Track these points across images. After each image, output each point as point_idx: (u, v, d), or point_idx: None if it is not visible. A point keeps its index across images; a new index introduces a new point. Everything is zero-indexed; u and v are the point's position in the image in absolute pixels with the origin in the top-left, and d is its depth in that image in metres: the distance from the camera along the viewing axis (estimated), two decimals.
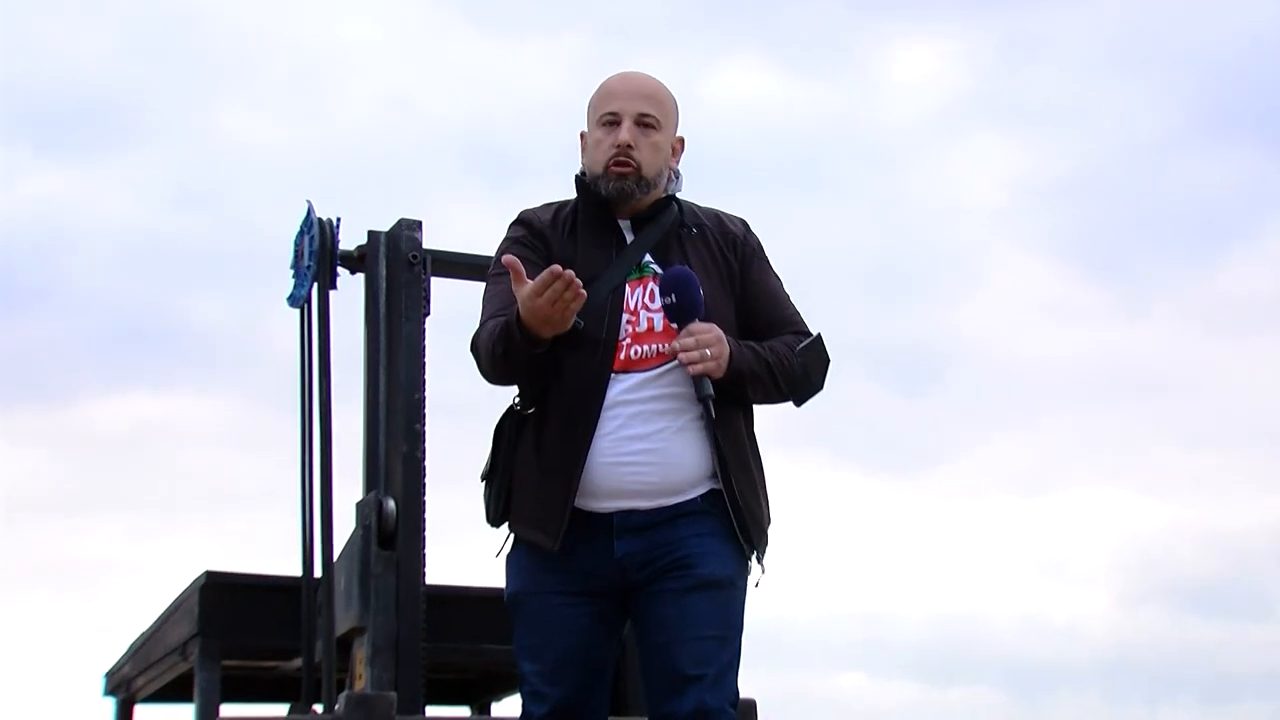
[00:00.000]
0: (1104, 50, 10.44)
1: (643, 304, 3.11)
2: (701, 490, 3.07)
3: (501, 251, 3.18)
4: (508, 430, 3.13)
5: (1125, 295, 10.82)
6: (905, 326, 10.51)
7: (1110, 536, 10.94)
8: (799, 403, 3.20)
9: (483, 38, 9.97)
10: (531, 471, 3.08)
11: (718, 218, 3.28)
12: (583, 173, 3.22)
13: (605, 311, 3.08)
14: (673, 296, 3.02)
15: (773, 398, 3.18)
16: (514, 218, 3.26)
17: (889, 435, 10.56)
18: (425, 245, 4.23)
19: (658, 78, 3.25)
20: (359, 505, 4.17)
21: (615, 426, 3.03)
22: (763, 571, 3.12)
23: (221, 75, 9.78)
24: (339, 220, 4.16)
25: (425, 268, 4.18)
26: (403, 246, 4.19)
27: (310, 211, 4.17)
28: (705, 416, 3.05)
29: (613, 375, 3.05)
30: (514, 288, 2.93)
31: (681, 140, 3.26)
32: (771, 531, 3.19)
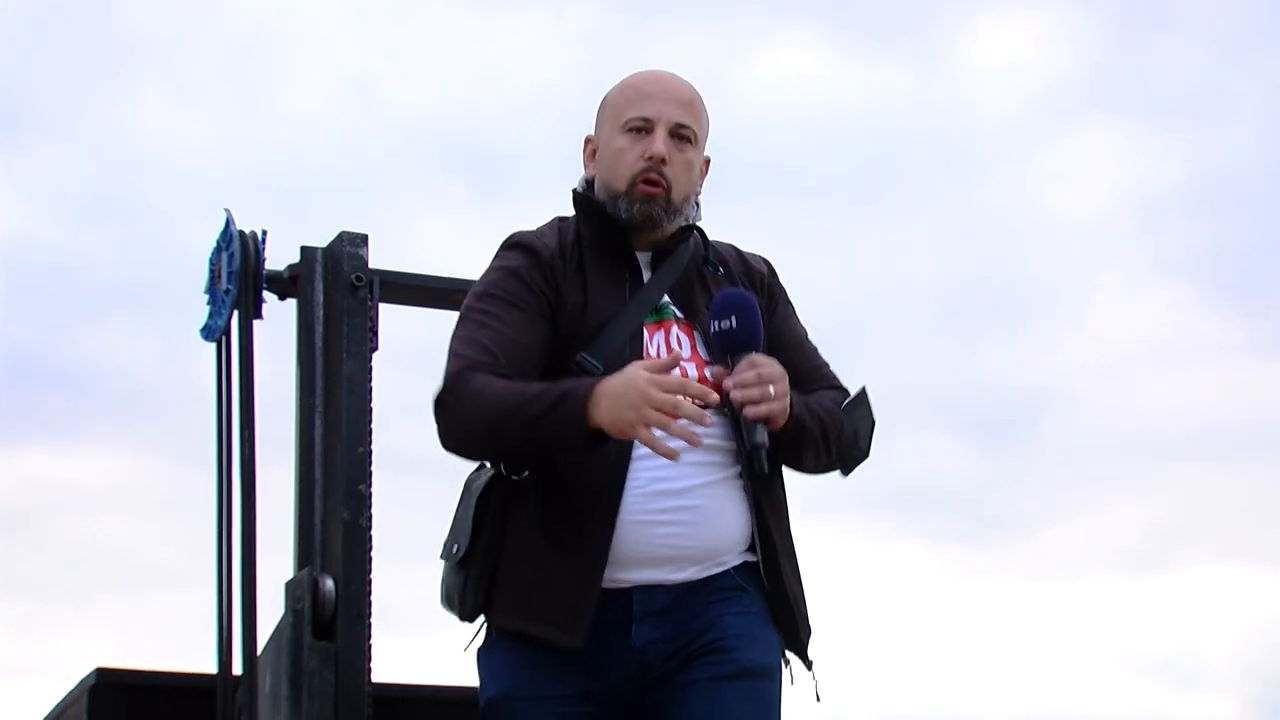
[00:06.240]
0: (1248, 22, 9.38)
1: (666, 350, 2.88)
2: (735, 562, 2.84)
3: (495, 282, 2.90)
4: (494, 502, 2.86)
5: (1265, 328, 9.69)
6: (988, 367, 9.56)
7: (1240, 627, 9.87)
8: (846, 471, 2.99)
9: (467, 11, 9.10)
10: (533, 548, 2.80)
11: (738, 255, 3.07)
12: (587, 187, 2.99)
13: (624, 358, 2.81)
14: (733, 319, 2.75)
15: (821, 464, 2.93)
16: (506, 241, 2.99)
17: (965, 499, 9.67)
18: (373, 264, 3.83)
19: (690, 81, 3.02)
20: (289, 585, 3.81)
21: (645, 480, 2.78)
22: (815, 681, 2.91)
23: (141, 55, 8.95)
24: (265, 234, 3.76)
25: (372, 292, 3.81)
26: (344, 266, 3.81)
27: (229, 223, 3.78)
28: (749, 474, 2.82)
29: None
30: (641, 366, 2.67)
31: (708, 161, 3.04)
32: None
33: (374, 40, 9.07)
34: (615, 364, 2.78)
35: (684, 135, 2.91)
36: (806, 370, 2.97)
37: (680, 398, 2.59)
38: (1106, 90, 9.59)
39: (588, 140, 3.01)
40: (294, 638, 3.72)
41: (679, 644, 2.75)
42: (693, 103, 2.95)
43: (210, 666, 3.88)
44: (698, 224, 3.00)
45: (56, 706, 4.48)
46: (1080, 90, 9.62)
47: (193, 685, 4.04)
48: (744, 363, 2.71)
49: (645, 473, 2.77)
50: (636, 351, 2.84)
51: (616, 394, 2.62)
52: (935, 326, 9.51)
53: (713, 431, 2.80)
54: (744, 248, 3.10)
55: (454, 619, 2.91)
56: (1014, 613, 9.65)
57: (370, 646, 3.75)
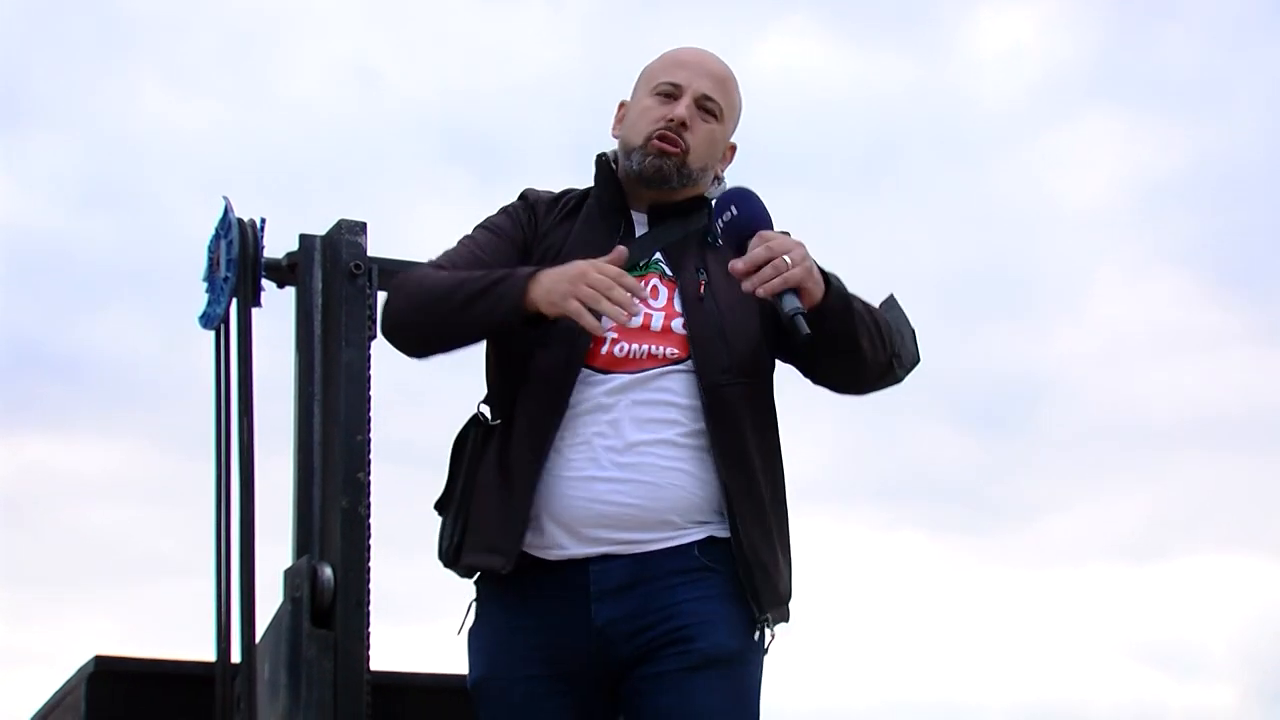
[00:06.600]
0: (1250, 10, 9.35)
1: (641, 300, 2.82)
2: (699, 535, 2.77)
3: (485, 219, 3.02)
4: (469, 446, 2.89)
5: (1266, 317, 9.64)
6: (988, 355, 9.46)
7: (1239, 615, 9.80)
8: (902, 372, 2.90)
9: None
10: (492, 490, 2.82)
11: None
12: (605, 153, 3.01)
13: None
14: (733, 209, 2.69)
15: (879, 355, 2.82)
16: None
17: (964, 488, 9.61)
18: (372, 252, 3.81)
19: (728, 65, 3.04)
20: (287, 573, 3.79)
21: (590, 434, 2.76)
22: (771, 637, 2.81)
23: (141, 43, 8.93)
24: (264, 221, 3.75)
25: (370, 280, 3.78)
26: (343, 254, 3.80)
27: (228, 210, 3.77)
28: (714, 431, 2.74)
29: (587, 371, 2.79)
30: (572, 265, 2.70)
31: (734, 147, 3.06)
32: (792, 606, 2.88)
33: (374, 28, 9.02)
34: None
35: (709, 109, 2.94)
36: None
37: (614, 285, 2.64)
38: (1107, 78, 9.56)
39: (621, 105, 3.05)
40: (293, 626, 3.71)
41: (641, 624, 2.72)
42: (725, 81, 2.99)
43: (209, 655, 3.86)
44: (712, 198, 3.01)
45: (55, 694, 4.47)
46: (1081, 79, 9.59)
47: (191, 673, 4.04)
48: (754, 240, 2.68)
49: (591, 426, 2.75)
50: None
51: (556, 273, 2.68)
52: (935, 315, 9.33)
53: (674, 387, 2.79)
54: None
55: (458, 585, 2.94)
56: (1013, 601, 9.62)
57: (369, 634, 3.73)
